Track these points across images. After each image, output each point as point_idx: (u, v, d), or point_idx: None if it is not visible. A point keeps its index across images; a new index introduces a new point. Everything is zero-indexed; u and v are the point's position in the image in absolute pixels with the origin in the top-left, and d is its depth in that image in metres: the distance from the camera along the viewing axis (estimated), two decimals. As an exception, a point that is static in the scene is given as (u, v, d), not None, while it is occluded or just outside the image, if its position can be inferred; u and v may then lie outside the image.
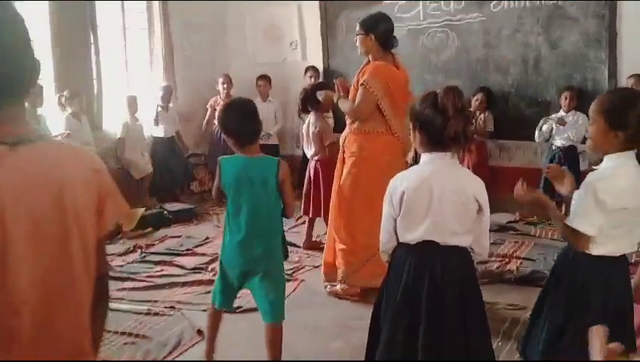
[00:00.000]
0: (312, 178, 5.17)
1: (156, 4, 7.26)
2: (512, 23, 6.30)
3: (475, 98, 6.23)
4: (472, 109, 6.15)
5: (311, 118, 5.08)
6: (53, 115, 5.89)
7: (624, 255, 2.37)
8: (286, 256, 3.01)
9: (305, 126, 5.21)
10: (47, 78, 5.98)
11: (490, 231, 5.55)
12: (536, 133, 5.84)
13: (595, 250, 2.29)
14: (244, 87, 7.35)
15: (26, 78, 1.17)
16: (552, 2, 6.07)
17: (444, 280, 2.30)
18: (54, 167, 1.17)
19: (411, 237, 2.32)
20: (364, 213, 3.93)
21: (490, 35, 6.44)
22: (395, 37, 4.06)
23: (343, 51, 7.29)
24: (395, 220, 2.36)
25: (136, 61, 7.26)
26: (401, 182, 2.35)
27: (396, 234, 2.39)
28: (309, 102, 4.98)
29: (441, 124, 2.24)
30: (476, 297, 2.41)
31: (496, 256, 4.75)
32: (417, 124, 2.33)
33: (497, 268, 4.52)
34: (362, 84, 3.91)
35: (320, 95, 4.83)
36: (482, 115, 6.25)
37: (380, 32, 3.95)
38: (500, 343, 3.36)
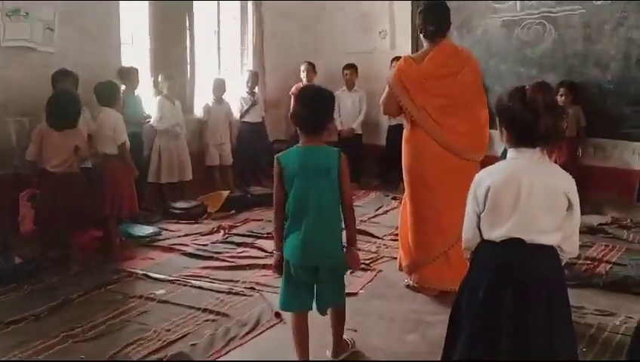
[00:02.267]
0: None
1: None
2: (615, 16, 6.00)
3: (559, 93, 5.95)
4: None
5: None
6: (148, 97, 6.16)
7: None
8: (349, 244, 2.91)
9: None
10: (144, 61, 6.26)
11: (579, 232, 5.34)
12: None
13: None
14: (332, 75, 7.40)
15: None
16: (662, -5, 5.72)
17: (529, 279, 2.22)
18: None
19: (496, 234, 2.25)
20: (409, 208, 3.94)
21: (590, 29, 6.16)
22: (431, 25, 3.79)
23: (433, 41, 7.16)
24: (479, 216, 2.30)
25: (228, 47, 7.45)
26: (486, 176, 2.28)
27: (480, 231, 2.33)
28: None
29: (530, 121, 2.16)
30: (563, 299, 2.31)
31: (585, 259, 4.53)
32: (504, 120, 2.26)
33: (585, 271, 4.32)
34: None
35: None
36: (570, 110, 5.98)
37: (419, 21, 3.87)
38: (584, 349, 3.21)
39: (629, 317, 3.50)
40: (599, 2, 6.07)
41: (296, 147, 2.81)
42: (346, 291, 3.87)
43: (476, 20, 6.80)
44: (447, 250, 3.74)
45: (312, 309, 2.90)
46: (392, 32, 7.62)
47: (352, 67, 7.32)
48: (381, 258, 4.69)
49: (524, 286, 2.20)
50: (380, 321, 3.57)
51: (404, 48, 7.38)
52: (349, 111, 7.31)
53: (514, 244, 2.21)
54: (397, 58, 7.15)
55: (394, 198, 6.62)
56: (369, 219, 5.84)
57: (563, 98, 5.96)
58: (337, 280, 2.92)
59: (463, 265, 2.47)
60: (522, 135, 2.21)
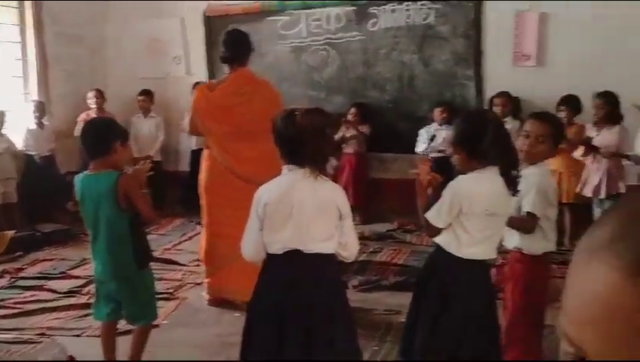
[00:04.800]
0: None
1: (29, 16, 6.91)
2: (388, 42, 6.59)
3: (350, 113, 6.46)
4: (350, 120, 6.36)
5: None
6: None
7: (486, 260, 2.53)
8: (143, 265, 2.98)
9: None
10: None
11: (369, 239, 5.75)
12: (419, 145, 6.14)
13: (464, 253, 2.45)
14: (124, 102, 7.19)
15: None
16: (424, 23, 6.42)
17: (310, 287, 2.37)
18: None
19: (276, 247, 2.37)
20: (204, 221, 4.19)
21: (368, 54, 6.70)
22: (227, 51, 3.96)
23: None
24: (261, 231, 2.40)
25: (8, 75, 6.85)
26: (263, 193, 2.41)
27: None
28: None
29: (295, 143, 2.33)
30: (343, 301, 2.50)
31: (374, 264, 4.91)
32: (276, 140, 2.41)
33: (375, 275, 4.68)
34: None
35: None
36: (360, 126, 6.47)
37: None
38: (375, 347, 3.48)
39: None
40: (374, 29, 6.64)
41: (83, 173, 2.92)
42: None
43: (266, 46, 7.05)
44: (234, 261, 3.84)
45: (109, 320, 3.04)
46: (186, 58, 7.60)
47: (146, 93, 7.17)
48: (185, 285, 4.63)
49: (305, 295, 2.35)
50: (184, 349, 3.53)
51: (200, 74, 7.43)
52: (145, 137, 7.14)
53: (293, 256, 2.35)
54: (198, 83, 7.18)
55: (198, 223, 6.55)
56: (173, 246, 5.74)
57: (352, 118, 6.44)
58: (136, 298, 2.99)
59: (249, 279, 2.58)
60: (289, 155, 2.37)
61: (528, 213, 2.64)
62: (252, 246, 2.43)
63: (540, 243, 2.74)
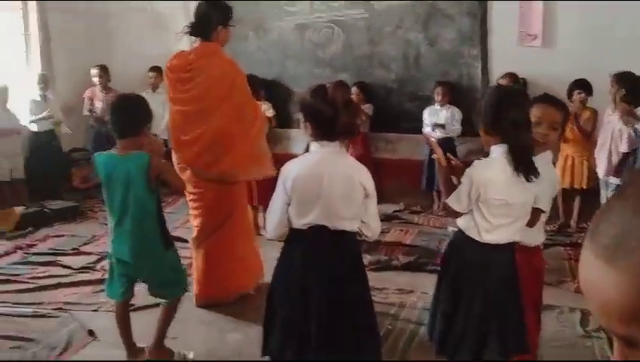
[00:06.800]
0: None
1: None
2: (393, 20, 6.54)
3: (352, 92, 6.41)
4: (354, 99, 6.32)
5: None
6: None
7: (510, 243, 2.48)
8: (169, 244, 3.05)
9: None
10: None
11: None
12: (425, 126, 6.13)
13: (483, 238, 2.43)
14: (131, 78, 7.13)
15: None
16: (429, 1, 6.38)
17: (335, 263, 2.43)
18: None
19: (303, 221, 2.41)
20: None
21: (373, 32, 6.65)
22: (191, 25, 3.73)
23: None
24: (288, 205, 2.43)
25: (10, 49, 6.80)
26: (292, 168, 2.44)
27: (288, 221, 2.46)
28: None
29: (331, 117, 2.35)
30: (362, 281, 2.56)
31: (384, 244, 4.97)
32: (308, 116, 2.42)
33: (385, 255, 4.74)
34: None
35: None
36: (363, 106, 6.46)
37: None
38: (389, 326, 3.54)
39: (424, 293, 3.89)
40: (379, 7, 6.60)
41: (109, 153, 2.89)
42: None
43: (270, 22, 7.01)
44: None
45: (123, 299, 3.05)
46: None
47: (156, 69, 7.10)
48: (194, 262, 4.67)
49: (330, 271, 2.40)
50: (199, 326, 3.60)
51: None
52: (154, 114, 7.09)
53: (319, 231, 2.39)
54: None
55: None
56: (182, 224, 5.77)
57: (355, 97, 6.42)
58: (166, 277, 3.04)
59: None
60: (324, 130, 2.40)
61: (538, 208, 2.55)
62: (277, 222, 2.45)
63: (538, 235, 2.70)
